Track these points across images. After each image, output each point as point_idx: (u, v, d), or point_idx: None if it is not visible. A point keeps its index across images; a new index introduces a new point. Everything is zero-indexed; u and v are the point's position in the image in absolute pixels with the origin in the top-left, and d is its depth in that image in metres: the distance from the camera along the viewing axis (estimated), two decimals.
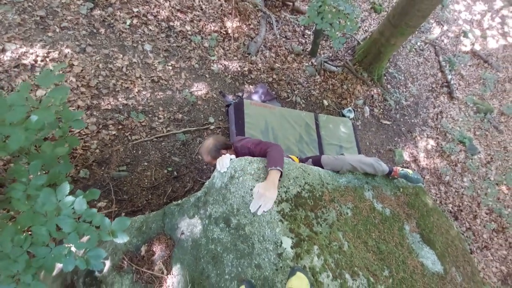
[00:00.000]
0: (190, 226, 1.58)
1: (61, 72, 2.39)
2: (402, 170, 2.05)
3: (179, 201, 1.72)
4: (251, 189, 1.42)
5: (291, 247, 1.28)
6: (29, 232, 1.20)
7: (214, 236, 1.46)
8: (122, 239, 1.13)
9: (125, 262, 1.62)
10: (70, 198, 1.11)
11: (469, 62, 6.28)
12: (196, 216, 1.59)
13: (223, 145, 1.76)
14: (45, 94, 2.29)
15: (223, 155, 1.61)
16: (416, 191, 2.22)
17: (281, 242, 1.28)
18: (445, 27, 6.53)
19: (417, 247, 1.85)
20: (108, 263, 1.67)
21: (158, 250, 1.61)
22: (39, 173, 1.19)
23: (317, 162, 1.98)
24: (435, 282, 1.68)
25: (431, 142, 4.69)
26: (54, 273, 1.78)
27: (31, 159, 1.24)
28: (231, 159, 1.57)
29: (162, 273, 1.52)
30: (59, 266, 1.80)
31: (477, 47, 6.60)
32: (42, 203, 1.09)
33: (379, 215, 1.87)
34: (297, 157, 2.10)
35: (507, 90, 6.20)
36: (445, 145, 4.70)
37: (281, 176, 1.44)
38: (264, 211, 1.32)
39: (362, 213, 1.80)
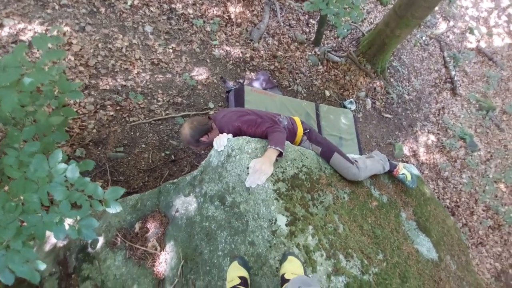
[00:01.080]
0: (185, 204, 1.57)
1: (60, 47, 2.35)
2: (402, 174, 1.99)
3: (175, 180, 1.70)
4: (248, 168, 1.40)
5: (286, 225, 1.27)
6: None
7: (208, 214, 1.44)
8: (115, 209, 1.12)
9: (119, 239, 1.61)
10: (63, 166, 1.10)
11: (473, 59, 6.21)
12: (191, 194, 1.58)
13: (201, 133, 1.62)
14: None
15: (220, 135, 1.59)
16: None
17: (276, 220, 1.27)
18: (451, 23, 6.43)
19: (413, 234, 1.84)
20: (101, 240, 1.67)
21: (152, 227, 1.60)
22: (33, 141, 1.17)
23: (326, 156, 1.73)
24: (429, 269, 1.68)
25: (432, 137, 4.66)
26: (47, 248, 1.78)
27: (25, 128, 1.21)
28: (228, 138, 1.55)
29: (156, 249, 1.52)
30: (52, 241, 1.79)
31: (483, 44, 6.52)
32: (34, 169, 1.07)
33: (376, 202, 1.86)
34: (301, 122, 1.85)
35: (510, 89, 6.14)
36: (445, 141, 4.67)
37: (279, 156, 1.41)
38: (258, 184, 1.31)
39: (359, 198, 1.78)
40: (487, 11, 7.18)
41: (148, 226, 1.60)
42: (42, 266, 1.09)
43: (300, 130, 1.79)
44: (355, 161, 1.76)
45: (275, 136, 1.46)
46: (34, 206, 1.11)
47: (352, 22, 4.43)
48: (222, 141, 1.52)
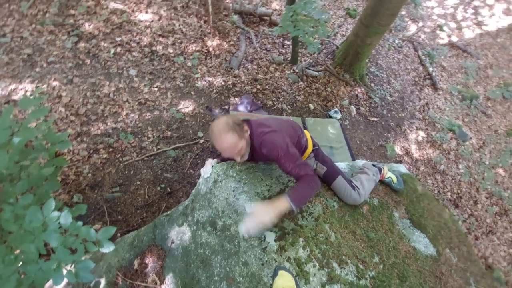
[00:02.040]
0: (179, 234, 1.62)
1: (45, 104, 2.48)
2: (388, 178, 2.05)
3: (168, 212, 1.76)
4: (233, 190, 1.47)
5: (275, 241, 1.31)
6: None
7: (202, 241, 1.49)
8: (108, 248, 1.17)
9: (119, 278, 1.64)
10: (56, 213, 1.16)
11: (448, 54, 6.46)
12: (184, 223, 1.63)
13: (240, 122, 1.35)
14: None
15: (206, 162, 1.67)
16: (404, 179, 2.25)
17: (265, 237, 1.32)
18: (421, 24, 6.77)
19: (408, 232, 1.86)
20: (103, 281, 1.69)
21: (151, 261, 1.63)
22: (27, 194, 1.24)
23: (329, 180, 1.69)
24: (429, 265, 1.69)
25: (421, 134, 4.75)
26: None
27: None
28: (212, 165, 1.63)
29: (156, 284, 1.54)
30: None
31: (454, 38, 6.81)
32: (29, 220, 1.14)
33: (366, 205, 1.90)
34: (311, 138, 1.74)
35: (490, 76, 6.33)
36: (435, 135, 4.75)
37: (290, 213, 1.28)
38: (250, 235, 1.19)
39: (348, 205, 1.83)
40: (453, 8, 7.57)
41: (147, 261, 1.64)
42: None
43: (310, 148, 1.67)
44: (356, 186, 1.72)
45: (304, 190, 1.30)
46: (32, 256, 1.17)
47: (325, 37, 4.68)
48: (207, 168, 1.60)
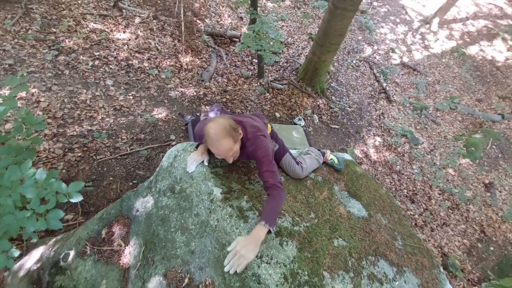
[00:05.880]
0: (143, 204, 1.84)
1: (29, 108, 2.70)
2: (330, 160, 2.43)
3: (135, 189, 1.98)
4: (187, 161, 1.74)
5: (221, 193, 1.59)
6: None
7: (162, 204, 1.73)
8: (76, 199, 1.40)
9: (88, 247, 1.81)
10: (32, 170, 1.39)
11: (401, 72, 7.30)
12: (148, 194, 1.86)
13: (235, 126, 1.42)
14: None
15: (192, 157, 1.71)
16: (346, 163, 2.62)
17: (213, 191, 1.59)
18: (375, 47, 7.67)
19: (345, 201, 2.18)
20: (72, 253, 1.84)
21: (117, 230, 1.82)
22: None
23: (278, 157, 1.97)
24: (360, 223, 1.99)
25: (378, 139, 5.27)
26: (21, 274, 1.89)
27: None
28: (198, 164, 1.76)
29: (120, 246, 1.73)
30: (26, 267, 1.92)
31: (405, 59, 7.74)
32: (8, 176, 1.36)
33: (310, 180, 2.22)
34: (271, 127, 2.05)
35: (437, 90, 7.18)
36: (390, 140, 5.29)
37: (269, 232, 1.33)
38: (236, 271, 1.22)
39: (294, 179, 2.14)
40: (403, 34, 8.65)
41: (114, 230, 1.83)
42: (16, 253, 1.30)
43: (269, 130, 1.97)
44: (300, 162, 2.05)
45: (271, 205, 1.39)
46: (9, 208, 1.37)
47: (280, 52, 5.27)
48: (192, 166, 1.70)
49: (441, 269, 2.02)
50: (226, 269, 1.24)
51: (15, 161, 1.48)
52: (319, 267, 1.45)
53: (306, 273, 1.37)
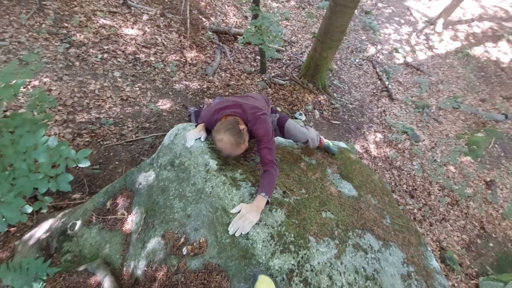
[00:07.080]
0: (146, 177, 1.97)
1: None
2: (326, 142, 2.54)
3: (138, 165, 2.12)
4: (186, 137, 1.86)
5: (216, 165, 1.70)
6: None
7: (163, 177, 1.86)
8: (84, 164, 1.53)
9: (93, 217, 1.94)
10: (45, 138, 1.54)
11: (404, 71, 7.35)
12: (150, 169, 2.00)
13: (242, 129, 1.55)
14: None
15: (191, 133, 1.83)
16: (341, 150, 2.71)
17: (209, 163, 1.71)
18: (379, 47, 7.74)
19: (337, 182, 2.27)
20: (78, 222, 1.98)
21: (121, 201, 1.96)
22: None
23: (281, 123, 2.05)
24: (349, 202, 2.08)
25: (379, 135, 5.33)
26: (31, 242, 2.04)
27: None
28: (196, 139, 1.90)
29: (123, 215, 1.86)
30: (35, 236, 2.07)
31: (409, 59, 7.78)
32: (23, 143, 1.50)
33: (304, 162, 2.32)
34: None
35: (440, 90, 7.19)
36: (391, 136, 5.34)
37: (267, 204, 1.46)
38: (242, 233, 1.33)
39: (289, 160, 2.25)
40: (407, 34, 8.70)
41: (118, 201, 1.96)
42: (29, 209, 1.44)
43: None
44: (303, 126, 2.23)
45: (268, 179, 1.50)
46: (23, 172, 1.51)
47: (280, 47, 5.39)
48: (191, 141, 1.80)
49: (428, 248, 2.09)
50: (231, 232, 1.33)
51: (29, 130, 1.63)
52: (306, 232, 1.55)
53: (292, 235, 1.47)
